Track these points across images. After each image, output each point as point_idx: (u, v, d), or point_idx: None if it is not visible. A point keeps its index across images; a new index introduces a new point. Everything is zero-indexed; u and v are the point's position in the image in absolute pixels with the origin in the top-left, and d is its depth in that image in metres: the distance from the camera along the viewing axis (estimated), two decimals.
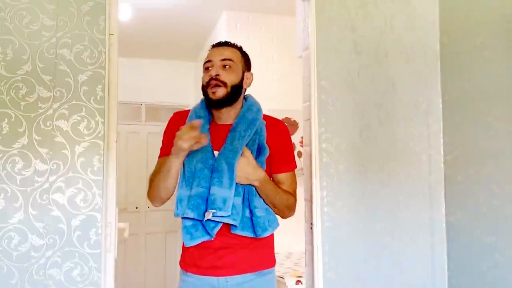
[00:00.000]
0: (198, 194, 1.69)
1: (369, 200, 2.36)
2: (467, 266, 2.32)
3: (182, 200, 1.72)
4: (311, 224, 2.28)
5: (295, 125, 4.09)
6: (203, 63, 1.82)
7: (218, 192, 1.66)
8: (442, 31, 2.53)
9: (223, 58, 1.76)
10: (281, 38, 4.23)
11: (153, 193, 1.78)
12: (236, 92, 1.78)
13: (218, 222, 1.69)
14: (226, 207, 1.65)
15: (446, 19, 2.51)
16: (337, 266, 2.28)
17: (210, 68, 1.77)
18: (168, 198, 1.80)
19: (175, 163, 1.67)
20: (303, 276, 2.83)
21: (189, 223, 1.73)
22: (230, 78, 1.75)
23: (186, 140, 1.57)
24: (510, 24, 2.11)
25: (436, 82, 2.52)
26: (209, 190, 1.68)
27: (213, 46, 1.84)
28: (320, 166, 2.29)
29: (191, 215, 1.68)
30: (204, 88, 1.77)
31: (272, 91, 4.02)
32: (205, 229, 1.71)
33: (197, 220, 1.71)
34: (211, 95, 1.74)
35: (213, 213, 1.64)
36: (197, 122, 1.62)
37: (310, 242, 2.30)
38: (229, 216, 1.67)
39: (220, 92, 1.73)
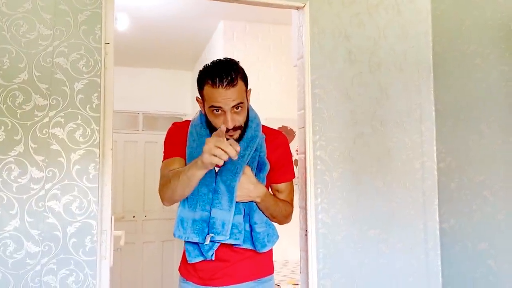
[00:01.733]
0: (202, 219, 1.69)
1: (363, 207, 2.38)
2: (461, 273, 2.33)
3: (184, 222, 1.71)
4: (306, 231, 2.29)
5: (291, 133, 4.11)
6: (205, 100, 1.66)
7: (218, 215, 1.66)
8: (434, 40, 2.56)
9: (234, 105, 1.61)
10: (278, 47, 4.27)
11: (167, 194, 1.68)
12: (247, 121, 1.74)
13: (215, 242, 1.70)
14: (225, 230, 1.65)
15: (438, 28, 2.55)
16: (332, 272, 2.29)
17: (220, 112, 1.62)
18: (179, 201, 1.74)
19: (197, 175, 1.55)
20: (299, 283, 2.84)
21: (188, 242, 1.74)
22: (243, 119, 1.69)
23: (219, 154, 1.42)
24: (501, 32, 2.14)
25: (429, 90, 2.55)
26: (210, 213, 1.68)
27: (215, 83, 1.59)
28: (314, 173, 2.31)
29: (195, 239, 1.68)
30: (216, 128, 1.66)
31: (268, 100, 4.05)
32: (201, 251, 1.72)
33: (198, 243, 1.71)
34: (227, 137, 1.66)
35: (211, 237, 1.65)
36: (222, 131, 1.50)
37: (305, 249, 2.31)
38: (229, 238, 1.67)
39: (237, 134, 1.69)
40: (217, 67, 1.62)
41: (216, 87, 1.58)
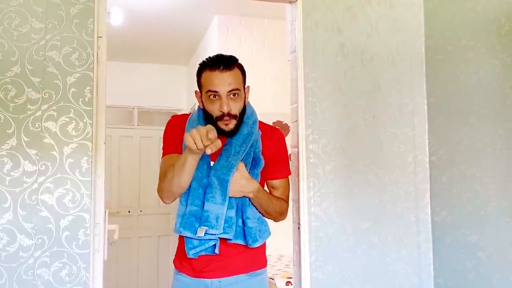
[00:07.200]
0: (191, 212, 1.70)
1: (355, 200, 2.39)
2: (452, 265, 2.35)
3: (178, 217, 1.74)
4: (299, 224, 2.30)
5: (286, 128, 4.11)
6: (203, 86, 1.73)
7: (211, 208, 1.67)
8: (427, 34, 2.57)
9: (230, 89, 1.68)
10: (272, 42, 4.26)
11: (166, 189, 1.72)
12: (243, 115, 1.77)
13: (210, 237, 1.69)
14: (219, 224, 1.67)
15: (430, 22, 2.55)
16: (324, 265, 2.30)
17: (216, 97, 1.69)
18: (179, 194, 1.75)
19: (190, 160, 1.60)
20: (293, 277, 2.85)
21: (186, 239, 1.74)
22: (239, 108, 1.73)
23: (194, 138, 1.48)
24: (492, 26, 2.15)
25: (421, 84, 2.56)
26: (203, 207, 1.69)
27: (213, 67, 1.69)
28: (307, 167, 2.31)
29: (184, 233, 1.70)
30: (213, 119, 1.71)
31: (263, 95, 4.05)
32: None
33: (191, 238, 1.71)
34: (223, 127, 1.70)
35: (205, 230, 1.66)
36: (210, 131, 1.49)
37: (298, 242, 2.32)
38: (221, 233, 1.68)
39: (232, 124, 1.72)
40: (216, 56, 1.73)
41: (213, 70, 1.68)
